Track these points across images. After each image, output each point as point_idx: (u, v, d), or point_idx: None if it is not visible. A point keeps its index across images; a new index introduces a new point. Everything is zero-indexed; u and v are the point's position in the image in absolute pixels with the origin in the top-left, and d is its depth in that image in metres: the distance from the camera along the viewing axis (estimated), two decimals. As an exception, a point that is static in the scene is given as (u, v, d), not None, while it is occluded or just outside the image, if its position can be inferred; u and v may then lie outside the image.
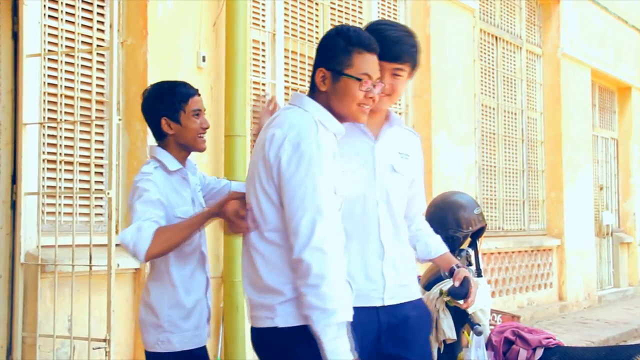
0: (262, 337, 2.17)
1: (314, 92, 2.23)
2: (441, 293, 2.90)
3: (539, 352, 2.52)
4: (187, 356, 2.60)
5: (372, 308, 2.34)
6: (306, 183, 2.03)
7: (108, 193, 3.54)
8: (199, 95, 2.72)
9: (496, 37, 8.36)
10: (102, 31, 4.26)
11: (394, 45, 2.36)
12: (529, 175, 8.87)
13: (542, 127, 9.16)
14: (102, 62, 4.25)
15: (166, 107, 2.64)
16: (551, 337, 2.57)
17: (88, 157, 3.98)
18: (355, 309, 2.25)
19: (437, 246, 2.69)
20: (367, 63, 2.18)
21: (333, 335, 1.98)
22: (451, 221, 3.31)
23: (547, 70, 9.16)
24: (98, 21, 4.19)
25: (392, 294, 2.38)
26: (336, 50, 2.19)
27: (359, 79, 2.16)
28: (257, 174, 2.14)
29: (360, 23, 6.28)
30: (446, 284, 2.84)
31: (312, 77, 2.23)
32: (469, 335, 2.93)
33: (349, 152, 2.37)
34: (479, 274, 3.31)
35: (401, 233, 2.47)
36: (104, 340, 3.56)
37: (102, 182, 4.23)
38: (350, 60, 2.16)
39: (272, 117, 2.24)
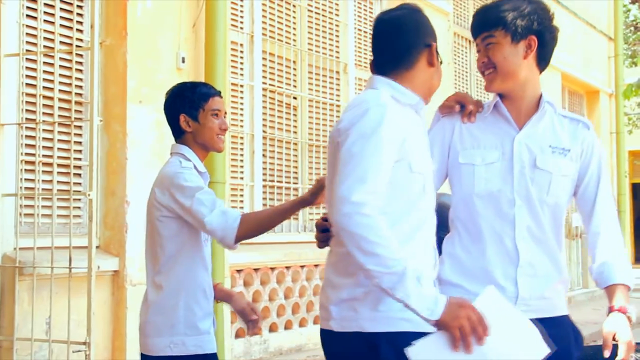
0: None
1: (402, 68, 2.06)
2: None
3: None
4: None
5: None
6: (355, 153, 1.85)
7: (89, 194, 3.51)
8: (221, 96, 2.70)
9: (469, 41, 8.45)
10: (81, 31, 4.22)
11: (475, 15, 2.23)
12: (501, 178, 8.96)
13: (513, 130, 9.26)
14: (81, 63, 4.21)
15: (186, 104, 2.62)
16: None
17: (66, 158, 3.94)
18: None
19: (609, 274, 2.21)
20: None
21: (413, 289, 1.77)
22: (439, 223, 3.30)
23: (519, 74, 9.25)
24: (77, 21, 4.15)
25: (527, 306, 2.11)
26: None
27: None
28: (332, 163, 1.98)
29: (337, 25, 6.32)
30: None
31: (403, 55, 2.05)
32: None
33: (488, 143, 2.20)
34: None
35: (547, 238, 2.18)
36: (84, 344, 3.52)
37: (80, 183, 4.19)
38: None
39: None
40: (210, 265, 2.68)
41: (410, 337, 1.83)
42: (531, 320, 2.04)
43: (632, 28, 16.97)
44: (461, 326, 1.77)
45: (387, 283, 1.78)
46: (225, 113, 2.71)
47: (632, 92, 11.09)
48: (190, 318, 2.53)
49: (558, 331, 2.13)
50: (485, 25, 2.19)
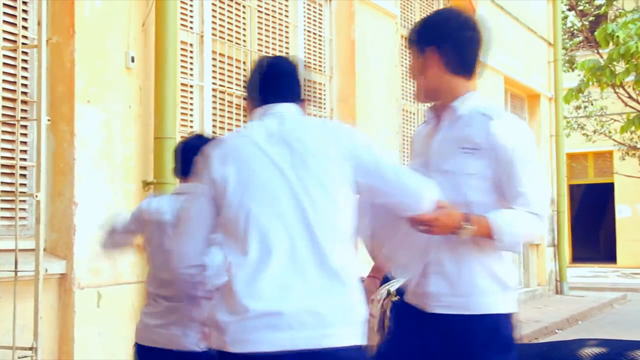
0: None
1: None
2: (389, 293, 2.94)
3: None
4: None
5: (419, 310, 2.24)
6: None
7: (36, 196, 3.42)
8: None
9: (416, 44, 8.55)
10: (26, 28, 4.10)
11: None
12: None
13: (458, 132, 9.42)
14: (26, 61, 4.10)
15: None
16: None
17: (11, 158, 3.83)
18: (407, 305, 2.30)
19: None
20: None
21: None
22: None
23: (464, 77, 9.42)
24: (22, 18, 4.03)
25: (438, 302, 2.19)
26: None
27: None
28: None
29: (287, 26, 6.32)
30: (393, 285, 2.88)
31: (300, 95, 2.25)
32: None
33: (417, 152, 2.40)
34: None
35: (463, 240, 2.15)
36: (30, 349, 3.44)
37: (25, 184, 4.08)
38: None
39: None
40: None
41: None
42: (443, 315, 2.18)
43: (570, 34, 17.46)
44: None
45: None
46: None
47: (572, 97, 11.41)
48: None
49: (467, 329, 2.15)
50: (409, 45, 2.40)
